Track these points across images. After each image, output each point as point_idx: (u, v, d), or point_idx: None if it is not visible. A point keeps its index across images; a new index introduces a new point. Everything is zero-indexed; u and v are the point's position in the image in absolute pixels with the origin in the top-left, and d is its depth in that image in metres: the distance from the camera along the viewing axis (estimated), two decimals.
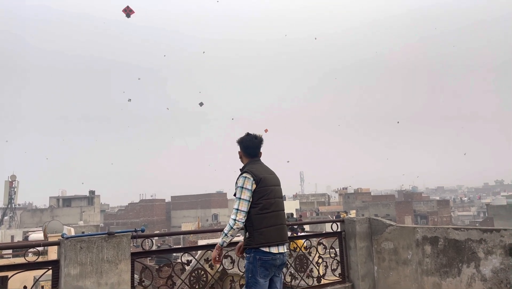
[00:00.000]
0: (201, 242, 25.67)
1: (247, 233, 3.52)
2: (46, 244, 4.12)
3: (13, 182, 63.42)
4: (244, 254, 3.60)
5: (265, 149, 3.81)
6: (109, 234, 3.74)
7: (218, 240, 3.61)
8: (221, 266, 4.70)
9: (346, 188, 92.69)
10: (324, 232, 6.48)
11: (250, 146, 3.72)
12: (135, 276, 4.11)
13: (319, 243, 5.52)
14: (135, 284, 4.00)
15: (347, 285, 5.29)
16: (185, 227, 57.59)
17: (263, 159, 3.81)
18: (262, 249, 3.42)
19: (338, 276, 5.43)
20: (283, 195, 3.88)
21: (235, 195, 3.55)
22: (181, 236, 43.87)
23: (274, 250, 3.46)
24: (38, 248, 3.94)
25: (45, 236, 22.24)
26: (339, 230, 5.60)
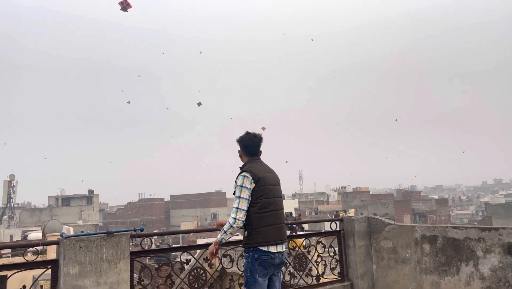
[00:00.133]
0: (200, 241, 25.70)
1: (246, 232, 3.52)
2: (45, 243, 4.12)
3: (12, 181, 63.33)
4: (244, 253, 3.61)
5: (264, 148, 3.81)
6: (108, 233, 3.74)
7: (217, 236, 3.61)
8: (220, 265, 4.70)
9: (345, 187, 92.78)
10: (323, 231, 6.49)
11: (249, 145, 3.72)
12: (134, 275, 4.12)
13: (318, 242, 5.53)
14: (134, 283, 4.00)
15: (346, 284, 5.30)
16: (184, 226, 57.58)
17: (262, 157, 3.81)
18: (260, 248, 3.43)
19: (337, 275, 5.44)
20: (282, 194, 3.88)
21: (234, 193, 3.55)
22: (180, 235, 43.85)
23: (272, 249, 3.46)
24: (37, 247, 3.93)
25: (43, 235, 22.23)
26: (338, 229, 5.61)
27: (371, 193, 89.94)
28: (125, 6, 13.48)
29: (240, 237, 3.87)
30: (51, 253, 14.73)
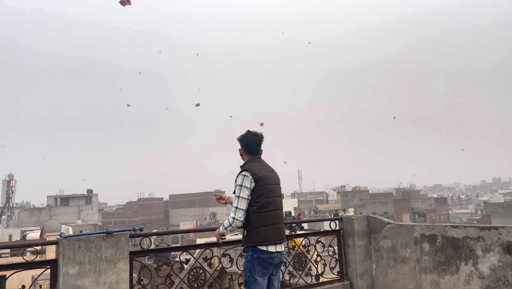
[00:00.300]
0: (200, 241, 25.71)
1: (245, 231, 3.53)
2: (44, 243, 4.12)
3: (11, 181, 63.24)
4: (242, 253, 3.61)
5: (263, 147, 3.80)
6: (108, 233, 3.73)
7: (219, 227, 3.66)
8: (220, 265, 4.70)
9: (344, 186, 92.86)
10: (322, 230, 6.49)
11: (250, 143, 3.72)
12: (134, 275, 4.11)
13: (317, 241, 5.53)
14: (133, 283, 4.00)
15: (345, 283, 5.30)
16: (183, 226, 57.65)
17: (263, 156, 3.81)
18: (259, 247, 3.43)
19: (336, 274, 5.44)
20: (282, 193, 3.88)
21: (234, 192, 3.55)
22: (180, 234, 43.87)
23: (272, 248, 3.46)
24: (36, 247, 3.92)
25: (42, 234, 22.22)
26: (337, 228, 5.61)
27: (370, 192, 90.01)
28: (123, 1, 13.45)
29: (240, 237, 3.88)
30: (50, 253, 14.72)
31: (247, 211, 3.47)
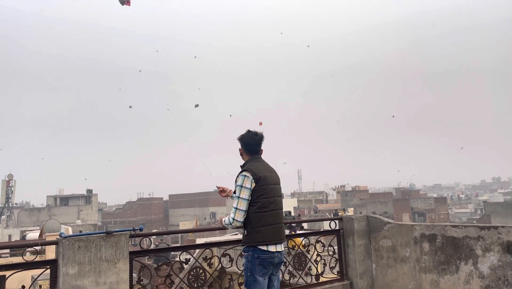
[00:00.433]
0: (199, 241, 25.67)
1: (245, 231, 3.53)
2: (44, 243, 4.11)
3: (10, 181, 63.19)
4: (242, 252, 3.61)
5: (263, 147, 3.80)
6: (107, 233, 3.73)
7: (224, 218, 3.68)
8: (220, 264, 4.70)
9: (343, 186, 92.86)
10: (322, 230, 6.49)
11: (250, 143, 3.72)
12: (134, 275, 4.11)
13: (317, 241, 5.53)
14: (133, 283, 4.00)
15: (345, 282, 5.30)
16: (183, 226, 57.62)
17: (263, 156, 3.81)
18: (260, 247, 3.43)
19: (336, 274, 5.45)
20: (281, 193, 3.88)
21: (235, 193, 3.55)
22: (179, 234, 43.84)
23: (272, 248, 3.47)
24: (35, 247, 3.92)
25: (41, 235, 22.21)
26: (337, 228, 5.61)
27: (370, 191, 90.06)
28: (123, 0, 13.46)
29: (239, 237, 3.88)
30: (50, 253, 14.71)
31: (248, 211, 3.47)
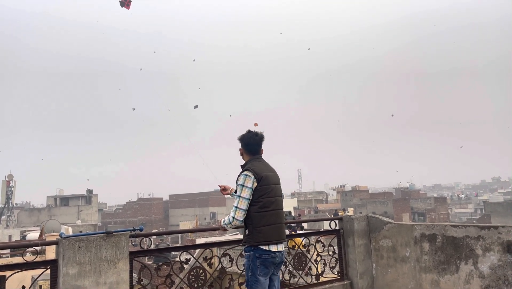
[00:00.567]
0: (199, 241, 25.66)
1: (247, 231, 3.53)
2: (44, 243, 4.11)
3: (10, 181, 63.18)
4: (244, 252, 3.61)
5: (263, 147, 3.80)
6: (107, 233, 3.73)
7: (223, 220, 3.68)
8: (220, 264, 4.70)
9: (343, 186, 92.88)
10: (322, 230, 6.49)
11: (251, 143, 3.72)
12: (134, 275, 4.11)
13: (317, 241, 5.53)
14: (133, 283, 4.00)
15: (345, 282, 5.31)
16: (183, 226, 57.62)
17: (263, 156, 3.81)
18: (261, 247, 3.44)
19: (336, 273, 5.45)
20: (282, 193, 3.89)
21: (235, 192, 3.55)
22: (179, 234, 43.85)
23: (273, 248, 3.47)
24: (36, 247, 3.92)
25: (42, 235, 22.21)
26: (337, 228, 5.61)
27: (370, 191, 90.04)
28: (123, 1, 13.50)
29: (239, 237, 3.88)
30: (50, 253, 14.71)
31: (249, 210, 3.47)
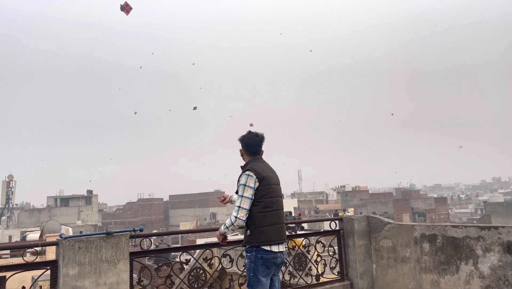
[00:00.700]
0: (200, 241, 25.72)
1: (248, 231, 3.52)
2: (44, 244, 4.11)
3: (11, 182, 63.19)
4: (245, 253, 3.61)
5: (263, 148, 3.81)
6: (108, 233, 3.73)
7: (221, 227, 3.65)
8: (220, 265, 4.70)
9: (344, 186, 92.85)
10: (322, 230, 6.49)
11: (251, 144, 3.73)
12: (134, 275, 4.11)
13: (317, 242, 5.53)
14: (134, 284, 4.00)
15: (345, 283, 5.30)
16: (183, 226, 57.57)
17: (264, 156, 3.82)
18: (263, 247, 3.43)
19: (336, 274, 5.44)
20: (282, 193, 3.90)
21: (237, 192, 3.55)
22: (180, 235, 43.87)
23: (275, 248, 3.48)
24: (36, 248, 3.92)
25: (42, 235, 22.21)
26: (337, 228, 5.61)
27: (370, 192, 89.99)
28: (124, 7, 13.60)
29: (240, 237, 3.87)
30: (50, 253, 14.72)
31: (251, 211, 3.47)
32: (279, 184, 3.72)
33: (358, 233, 5.35)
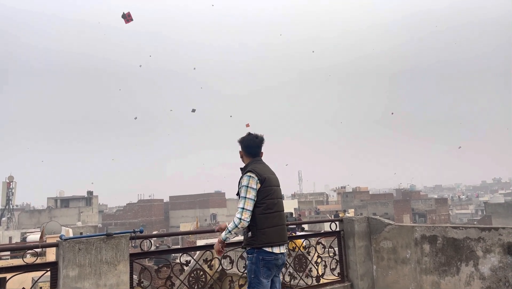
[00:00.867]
0: (200, 242, 25.68)
1: (250, 233, 3.51)
2: (44, 245, 4.10)
3: (11, 183, 63.21)
4: (246, 254, 3.60)
5: (263, 149, 3.80)
6: (108, 235, 3.73)
7: (221, 234, 3.59)
8: (220, 266, 4.70)
9: (344, 187, 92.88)
10: (322, 231, 6.49)
11: (251, 145, 3.72)
12: (134, 277, 4.11)
13: (318, 243, 5.53)
14: (134, 285, 3.99)
15: (346, 284, 5.30)
16: (184, 227, 57.50)
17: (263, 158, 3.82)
18: (265, 249, 3.43)
19: (337, 275, 5.44)
20: (282, 195, 3.89)
21: (237, 194, 3.55)
22: (180, 236, 43.85)
23: (276, 250, 3.47)
24: (36, 249, 3.92)
25: (42, 236, 22.19)
26: (337, 229, 5.61)
27: (370, 192, 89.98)
28: (126, 18, 13.79)
29: (240, 238, 3.86)
30: (51, 254, 14.72)
31: (252, 212, 3.45)
32: (279, 186, 3.72)
33: (358, 234, 5.35)
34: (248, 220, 3.43)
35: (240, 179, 3.57)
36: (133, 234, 3.94)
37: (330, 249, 5.45)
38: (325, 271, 5.27)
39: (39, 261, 3.60)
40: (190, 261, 4.50)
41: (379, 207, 69.36)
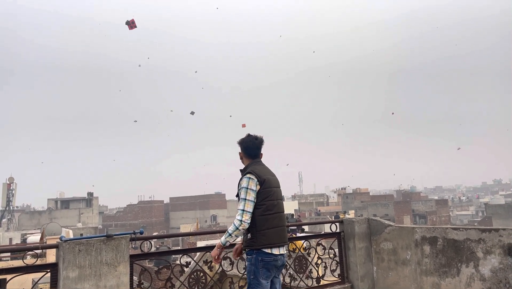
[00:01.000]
0: (200, 244, 25.70)
1: (249, 234, 3.50)
2: (44, 247, 4.10)
3: (11, 184, 63.21)
4: (245, 256, 3.60)
5: (263, 149, 3.80)
6: (108, 236, 3.74)
7: (220, 239, 3.60)
8: (220, 268, 4.69)
9: (344, 188, 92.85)
10: (323, 232, 6.48)
11: (250, 147, 3.72)
12: (134, 278, 4.11)
13: (318, 244, 5.52)
14: (134, 286, 3.99)
15: (346, 285, 5.29)
16: (184, 229, 57.52)
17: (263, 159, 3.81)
18: (264, 250, 3.43)
19: (337, 276, 5.43)
20: (282, 196, 3.89)
21: (237, 196, 3.54)
22: (180, 237, 43.88)
23: (276, 251, 3.47)
24: (36, 250, 3.92)
25: (42, 238, 22.19)
26: (338, 230, 5.60)
27: (371, 194, 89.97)
28: (131, 25, 13.98)
29: (239, 239, 3.86)
30: (51, 256, 14.70)
31: (252, 214, 3.45)
32: (279, 187, 3.72)
33: (358, 236, 5.34)
34: (249, 221, 3.42)
35: (240, 181, 3.57)
36: (133, 235, 3.94)
37: (330, 250, 5.44)
38: (325, 272, 5.26)
39: (39, 262, 3.60)
40: (190, 262, 4.50)
41: (379, 208, 69.39)
